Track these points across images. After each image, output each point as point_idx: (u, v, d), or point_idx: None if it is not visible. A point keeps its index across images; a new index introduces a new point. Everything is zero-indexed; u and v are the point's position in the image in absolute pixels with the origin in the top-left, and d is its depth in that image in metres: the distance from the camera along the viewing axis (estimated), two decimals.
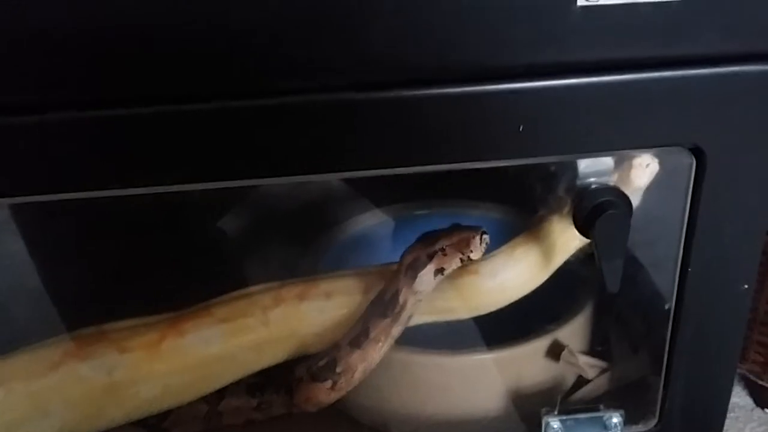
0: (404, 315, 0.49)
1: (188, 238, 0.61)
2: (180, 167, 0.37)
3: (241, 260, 0.60)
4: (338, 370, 0.49)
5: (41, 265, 0.60)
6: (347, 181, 0.60)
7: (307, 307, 0.51)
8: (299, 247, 0.63)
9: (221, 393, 0.53)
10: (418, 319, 0.52)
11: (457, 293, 0.51)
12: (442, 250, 0.47)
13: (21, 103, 0.35)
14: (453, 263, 0.47)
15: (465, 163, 0.39)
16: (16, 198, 0.40)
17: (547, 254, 0.50)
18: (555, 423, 0.49)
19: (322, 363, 0.50)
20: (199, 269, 0.58)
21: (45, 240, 0.59)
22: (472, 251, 0.46)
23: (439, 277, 0.48)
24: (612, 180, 0.45)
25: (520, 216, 0.65)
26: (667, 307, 0.46)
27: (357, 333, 0.49)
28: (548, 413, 0.49)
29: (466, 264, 0.47)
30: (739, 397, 0.77)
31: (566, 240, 0.49)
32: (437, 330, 0.54)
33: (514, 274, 0.51)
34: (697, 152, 0.40)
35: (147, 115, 0.35)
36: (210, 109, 0.36)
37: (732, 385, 0.50)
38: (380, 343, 0.49)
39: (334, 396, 0.50)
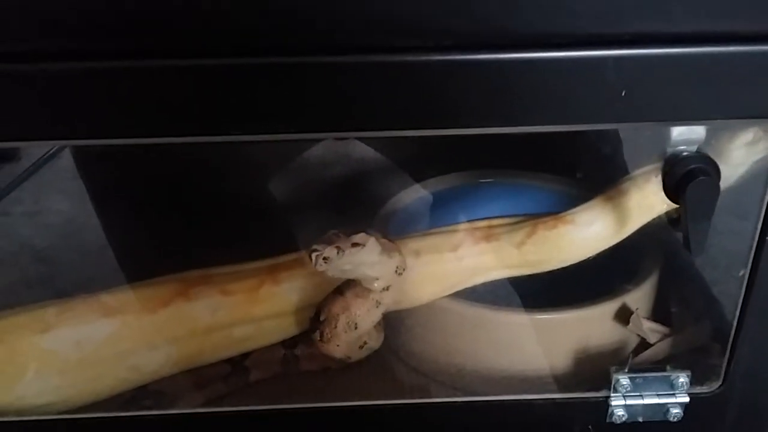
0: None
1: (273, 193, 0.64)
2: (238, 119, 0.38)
3: (324, 219, 0.63)
4: (321, 318, 0.51)
5: (125, 216, 0.63)
6: (420, 145, 0.62)
7: None
8: (370, 208, 0.65)
9: (297, 338, 0.56)
10: (507, 273, 0.55)
11: (553, 244, 0.53)
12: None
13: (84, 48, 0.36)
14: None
15: (566, 126, 0.41)
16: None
17: (633, 211, 0.52)
18: (624, 380, 0.50)
19: (312, 314, 0.52)
20: (284, 223, 0.61)
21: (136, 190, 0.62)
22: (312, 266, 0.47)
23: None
24: None
25: (580, 187, 0.67)
26: (740, 273, 0.48)
27: (343, 281, 0.51)
28: (618, 371, 0.50)
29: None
30: None
31: (651, 204, 0.51)
32: (509, 289, 0.57)
33: (605, 224, 0.52)
34: None
35: (234, 66, 0.37)
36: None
37: None
38: (361, 299, 0.50)
39: (328, 348, 0.52)
